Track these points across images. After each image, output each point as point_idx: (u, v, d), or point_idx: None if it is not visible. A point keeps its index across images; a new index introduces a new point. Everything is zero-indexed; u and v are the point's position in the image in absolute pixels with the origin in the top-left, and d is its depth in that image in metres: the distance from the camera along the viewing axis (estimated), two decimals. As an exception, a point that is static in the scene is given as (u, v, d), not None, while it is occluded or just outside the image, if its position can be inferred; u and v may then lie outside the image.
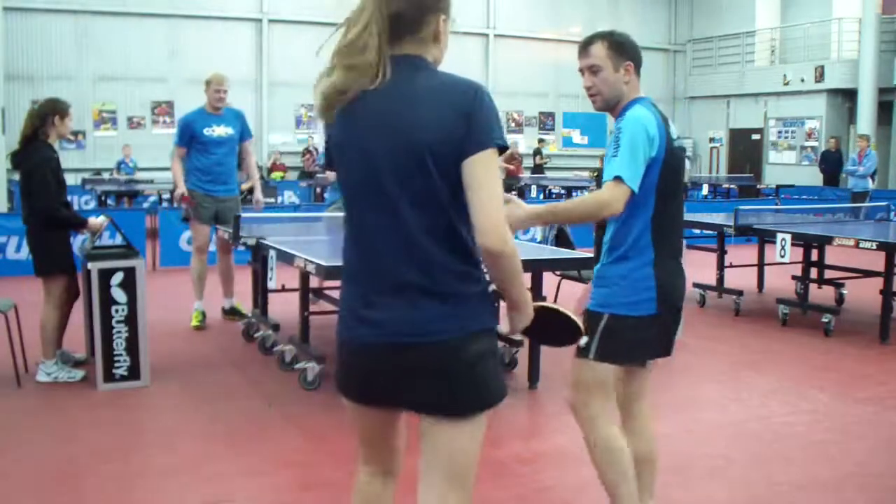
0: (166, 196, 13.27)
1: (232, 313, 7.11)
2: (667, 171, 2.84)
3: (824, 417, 4.85)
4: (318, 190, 15.00)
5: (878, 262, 6.82)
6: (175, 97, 18.67)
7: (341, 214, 2.08)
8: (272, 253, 5.54)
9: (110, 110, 18.63)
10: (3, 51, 15.28)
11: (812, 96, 21.29)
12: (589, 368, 2.93)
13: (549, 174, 19.52)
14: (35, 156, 5.19)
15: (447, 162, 1.91)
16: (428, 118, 1.91)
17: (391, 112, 1.94)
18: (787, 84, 21.61)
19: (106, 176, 16.65)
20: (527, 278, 5.12)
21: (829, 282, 8.07)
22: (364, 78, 1.95)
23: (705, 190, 17.74)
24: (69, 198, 5.57)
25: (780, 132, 22.38)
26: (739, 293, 7.70)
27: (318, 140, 18.67)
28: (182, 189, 6.80)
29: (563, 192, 16.39)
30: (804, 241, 7.43)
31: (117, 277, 5.06)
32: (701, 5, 24.52)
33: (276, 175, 18.54)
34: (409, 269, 1.96)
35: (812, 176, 19.70)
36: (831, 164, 18.43)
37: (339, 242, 2.20)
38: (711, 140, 24.26)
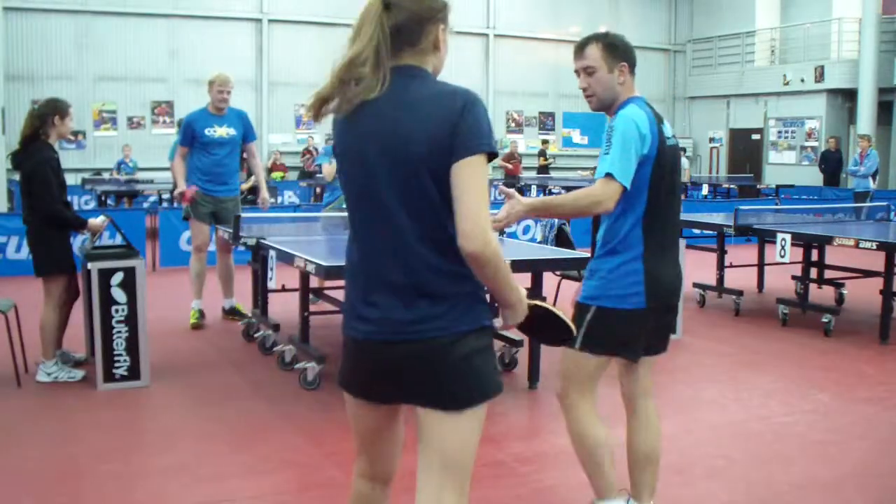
0: (166, 196, 13.29)
1: (232, 313, 7.11)
2: (659, 169, 2.91)
3: (824, 417, 4.85)
4: (318, 190, 15.01)
5: (878, 262, 6.82)
6: (175, 97, 18.69)
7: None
8: (272, 253, 5.54)
9: (110, 110, 18.64)
10: (3, 51, 15.30)
11: (812, 96, 21.30)
12: (572, 358, 3.03)
13: (543, 175, 19.49)
14: (35, 156, 5.19)
15: (438, 168, 1.97)
16: (420, 126, 1.97)
17: (387, 120, 2.00)
18: (787, 84, 21.62)
19: (106, 176, 16.65)
20: (527, 278, 5.15)
21: (829, 282, 8.07)
22: (364, 89, 2.00)
23: (705, 190, 17.75)
24: (69, 198, 5.57)
25: (780, 132, 22.39)
26: (739, 293, 7.70)
27: (318, 140, 18.68)
28: (182, 187, 6.82)
29: (563, 191, 16.38)
30: (804, 241, 7.43)
31: (117, 277, 5.06)
32: (701, 5, 24.53)
33: (276, 175, 18.55)
34: (404, 271, 2.03)
35: (812, 176, 19.71)
36: (831, 164, 18.44)
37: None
38: (711, 140, 24.28)
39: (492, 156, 1.99)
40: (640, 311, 2.94)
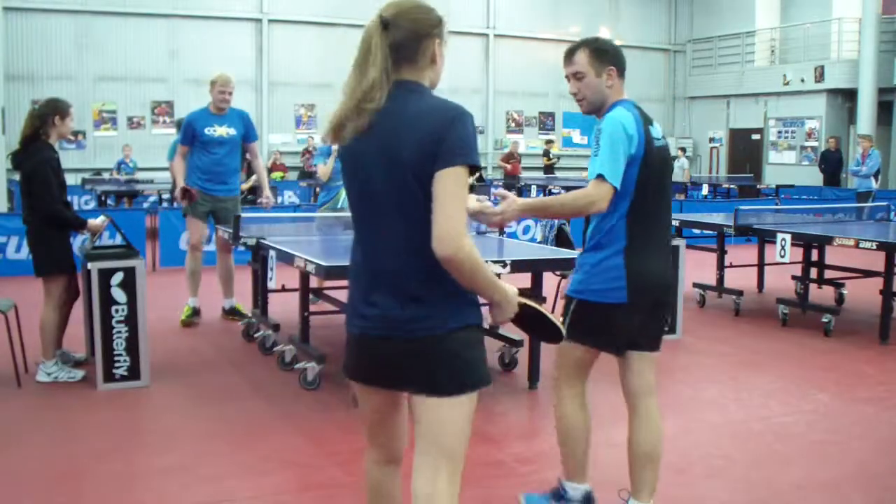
0: (166, 196, 13.28)
1: (232, 313, 7.12)
2: (646, 169, 3.01)
3: (824, 417, 4.85)
4: (318, 190, 14.98)
5: (878, 262, 6.82)
6: (175, 97, 18.69)
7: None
8: (272, 253, 5.55)
9: (110, 110, 18.64)
10: (3, 51, 15.29)
11: (812, 96, 21.30)
12: (561, 347, 3.14)
13: (543, 175, 19.46)
14: (36, 156, 5.19)
15: (426, 178, 2.10)
16: (414, 136, 2.11)
17: (387, 130, 2.15)
18: (786, 84, 21.62)
19: (106, 176, 16.64)
20: (526, 278, 5.15)
21: (829, 282, 8.07)
22: (375, 108, 2.15)
23: (705, 190, 17.72)
24: (69, 198, 5.57)
25: (780, 132, 22.39)
26: (739, 293, 7.70)
27: (318, 140, 18.68)
28: (181, 185, 6.83)
29: (563, 192, 16.37)
30: (804, 241, 7.43)
31: (117, 277, 5.06)
32: (701, 5, 24.52)
33: (276, 175, 18.54)
34: (399, 273, 2.19)
35: (812, 176, 19.70)
36: (831, 164, 18.43)
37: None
38: (711, 140, 24.28)
39: (474, 169, 2.12)
40: (621, 305, 3.03)
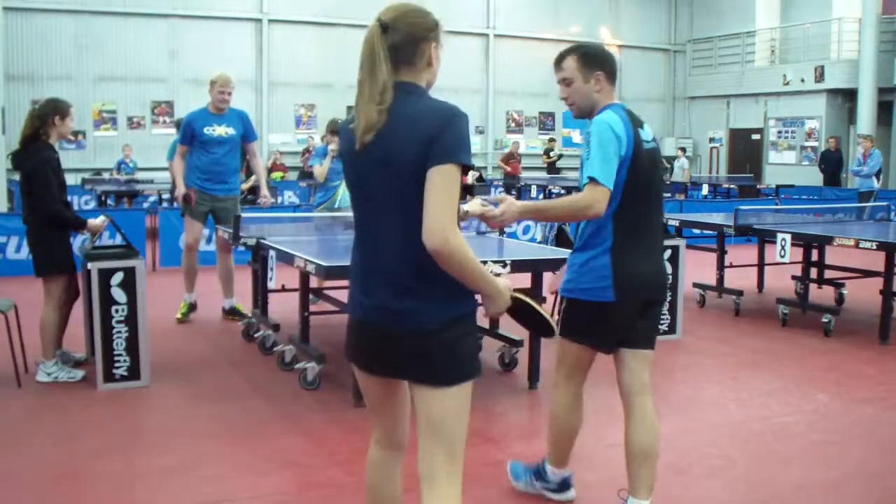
0: (166, 196, 13.27)
1: (232, 313, 7.13)
2: (634, 170, 3.07)
3: (824, 417, 4.85)
4: (315, 189, 14.97)
5: (878, 262, 6.82)
6: (175, 97, 18.69)
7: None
8: (272, 253, 5.54)
9: (110, 110, 18.64)
10: (3, 51, 15.28)
11: (812, 96, 21.30)
12: (559, 343, 3.30)
13: (544, 175, 19.43)
14: (36, 156, 5.19)
15: (421, 176, 2.17)
16: (411, 139, 2.19)
17: (386, 131, 2.22)
18: (787, 84, 21.62)
19: (106, 176, 16.64)
20: (527, 278, 5.15)
21: (829, 282, 8.07)
22: (386, 109, 2.23)
23: (705, 190, 17.71)
24: (69, 198, 5.57)
25: (780, 132, 22.38)
26: (739, 293, 7.70)
27: (318, 140, 18.68)
28: (182, 189, 6.85)
29: (563, 192, 16.37)
30: (804, 241, 7.43)
31: (117, 277, 5.06)
32: (701, 5, 24.52)
33: (276, 175, 18.54)
34: (395, 267, 2.27)
35: (812, 176, 19.70)
36: (831, 164, 18.42)
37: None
38: (711, 140, 24.27)
39: (466, 168, 2.20)
40: (609, 304, 3.10)
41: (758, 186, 18.68)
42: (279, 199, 15.03)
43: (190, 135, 6.83)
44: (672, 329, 6.59)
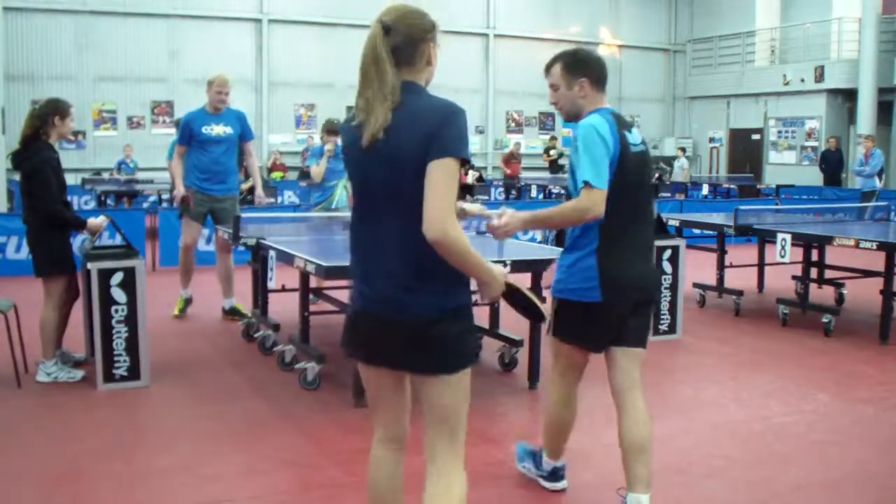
0: (166, 196, 13.27)
1: (232, 313, 7.13)
2: (621, 172, 3.12)
3: (824, 417, 4.85)
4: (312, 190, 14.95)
5: (878, 262, 6.82)
6: (175, 97, 18.68)
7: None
8: (272, 253, 5.55)
9: (110, 110, 18.64)
10: (3, 51, 15.29)
11: (812, 96, 21.29)
12: (550, 343, 3.42)
13: (544, 174, 19.42)
14: (36, 156, 5.19)
15: (421, 171, 2.25)
16: (412, 136, 2.27)
17: (389, 130, 2.29)
18: (787, 84, 21.62)
19: (106, 176, 16.64)
20: (526, 278, 5.15)
21: (830, 282, 8.07)
22: (392, 108, 2.31)
23: (705, 190, 17.72)
24: (69, 198, 5.57)
25: (780, 132, 22.38)
26: (739, 293, 7.70)
27: (318, 140, 18.68)
28: (181, 189, 6.86)
29: (562, 191, 16.37)
30: (804, 241, 7.43)
31: (117, 277, 5.06)
32: (701, 5, 24.52)
33: (276, 175, 18.54)
34: (394, 260, 2.35)
35: (812, 176, 19.70)
36: (831, 164, 18.42)
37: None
38: (711, 140, 24.26)
39: (464, 162, 2.29)
40: (596, 304, 3.16)
41: (758, 186, 18.68)
42: (279, 199, 15.03)
43: (188, 135, 6.85)
44: (672, 329, 6.60)
